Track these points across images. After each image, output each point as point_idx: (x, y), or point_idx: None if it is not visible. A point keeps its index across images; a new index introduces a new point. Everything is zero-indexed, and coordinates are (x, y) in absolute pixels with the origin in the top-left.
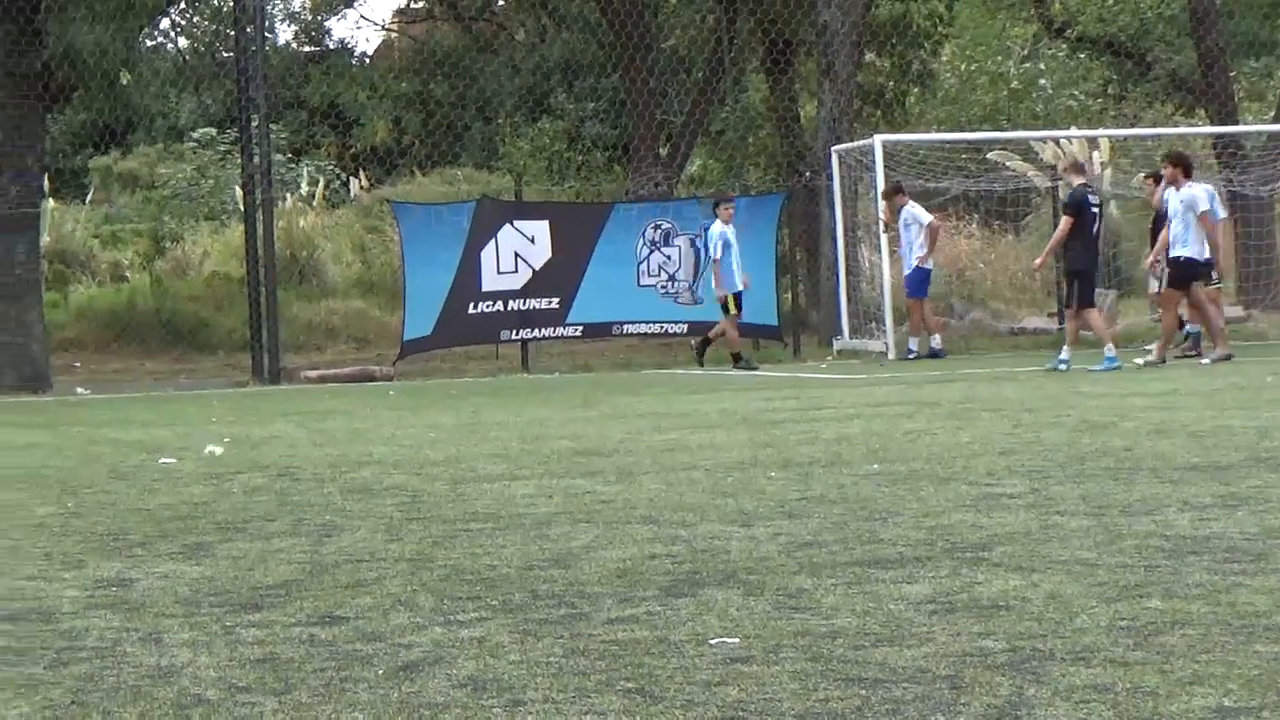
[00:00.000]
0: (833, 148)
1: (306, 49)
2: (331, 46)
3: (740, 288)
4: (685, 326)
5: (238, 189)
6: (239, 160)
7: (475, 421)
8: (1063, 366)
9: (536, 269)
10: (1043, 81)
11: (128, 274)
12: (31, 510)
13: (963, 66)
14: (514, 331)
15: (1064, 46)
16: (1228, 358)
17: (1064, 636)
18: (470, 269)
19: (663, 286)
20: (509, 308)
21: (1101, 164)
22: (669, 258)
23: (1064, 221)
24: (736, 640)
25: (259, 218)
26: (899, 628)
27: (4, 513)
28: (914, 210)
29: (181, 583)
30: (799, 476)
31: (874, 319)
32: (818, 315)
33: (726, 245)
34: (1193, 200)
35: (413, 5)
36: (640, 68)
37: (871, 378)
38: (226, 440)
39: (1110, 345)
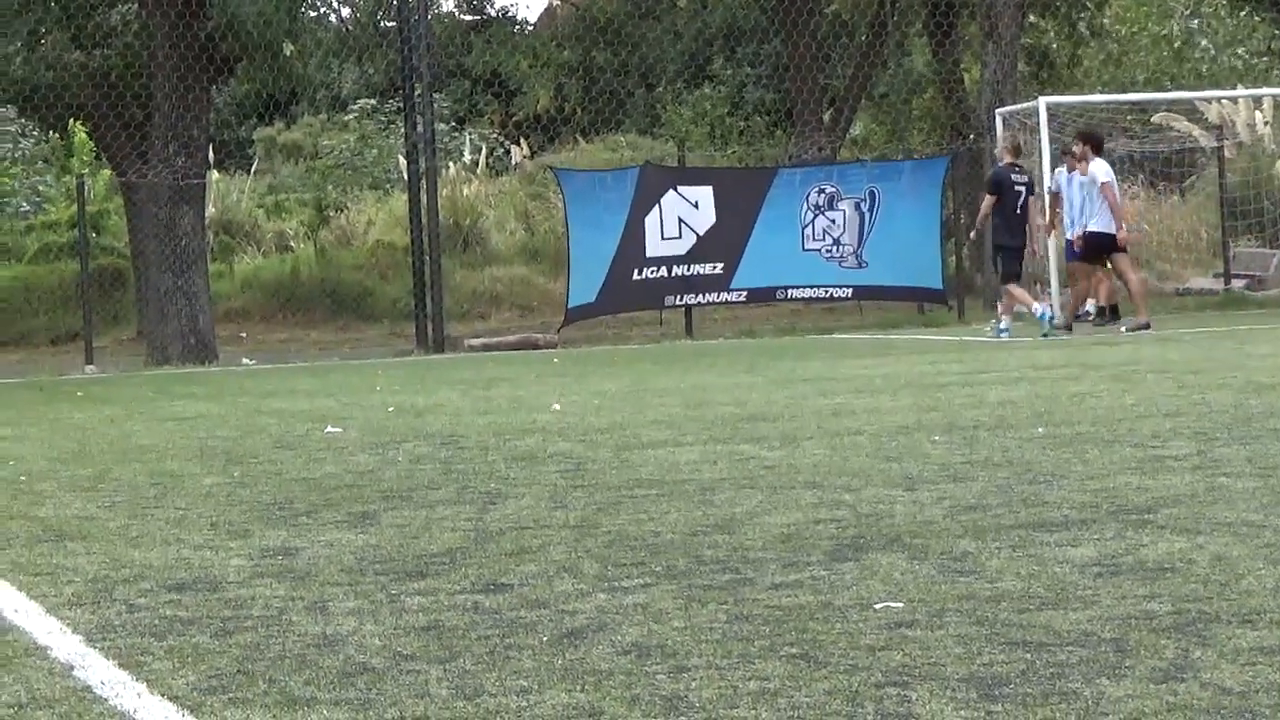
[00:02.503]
0: (996, 110)
1: (468, 17)
2: (493, 14)
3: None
4: (850, 291)
5: (401, 158)
6: (402, 129)
7: (639, 388)
8: (1004, 335)
9: (700, 234)
10: (1204, 43)
11: (292, 244)
12: (199, 480)
13: (1123, 30)
14: (678, 297)
15: (1225, 4)
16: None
17: (1230, 599)
18: (634, 235)
19: (827, 251)
20: (673, 273)
21: (1266, 123)
22: (833, 222)
23: (986, 199)
24: (901, 605)
25: (423, 186)
26: (1063, 591)
27: (171, 483)
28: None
29: (346, 551)
30: (963, 440)
31: (1039, 281)
32: (982, 279)
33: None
34: (1094, 176)
35: None
36: (803, 32)
37: (1036, 340)
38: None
39: (1006, 318)
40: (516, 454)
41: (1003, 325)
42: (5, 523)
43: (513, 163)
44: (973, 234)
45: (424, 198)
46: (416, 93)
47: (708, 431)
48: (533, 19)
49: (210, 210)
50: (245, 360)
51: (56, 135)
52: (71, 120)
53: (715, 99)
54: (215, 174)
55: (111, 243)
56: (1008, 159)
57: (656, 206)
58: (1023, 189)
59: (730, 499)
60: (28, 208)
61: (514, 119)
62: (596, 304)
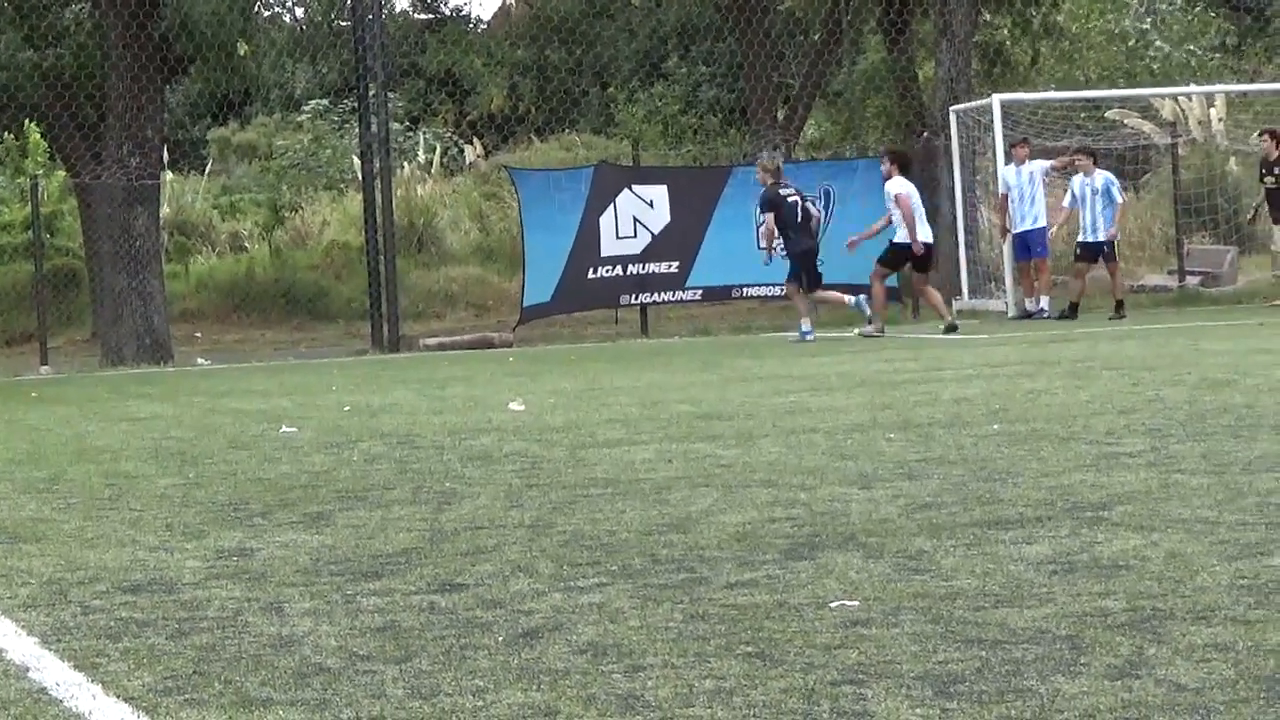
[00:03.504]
0: (951, 108)
1: (423, 16)
2: (447, 14)
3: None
4: None
5: (355, 158)
6: (356, 129)
7: (595, 387)
8: (809, 338)
9: (655, 233)
10: (1158, 42)
11: (247, 244)
12: (154, 481)
13: (1074, 27)
14: (633, 296)
15: (1179, 0)
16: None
17: (1185, 595)
18: (589, 234)
19: (782, 249)
20: (628, 272)
21: (1219, 120)
22: None
23: (766, 219)
24: (856, 603)
25: (377, 186)
26: (1019, 588)
27: (126, 484)
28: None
29: (302, 552)
30: (919, 438)
31: (993, 279)
32: (937, 276)
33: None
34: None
35: None
36: (757, 30)
37: (991, 338)
38: (517, 401)
39: (807, 320)
40: (472, 453)
41: (805, 328)
42: None
43: (467, 162)
44: (767, 257)
45: (379, 197)
46: (371, 92)
47: (663, 430)
48: (486, 17)
49: (165, 211)
50: (200, 360)
51: (10, 135)
52: (25, 120)
53: (669, 97)
54: (169, 174)
55: (66, 243)
56: (769, 180)
57: (611, 206)
58: (795, 200)
59: (686, 498)
60: None
61: (468, 118)
62: (552, 303)
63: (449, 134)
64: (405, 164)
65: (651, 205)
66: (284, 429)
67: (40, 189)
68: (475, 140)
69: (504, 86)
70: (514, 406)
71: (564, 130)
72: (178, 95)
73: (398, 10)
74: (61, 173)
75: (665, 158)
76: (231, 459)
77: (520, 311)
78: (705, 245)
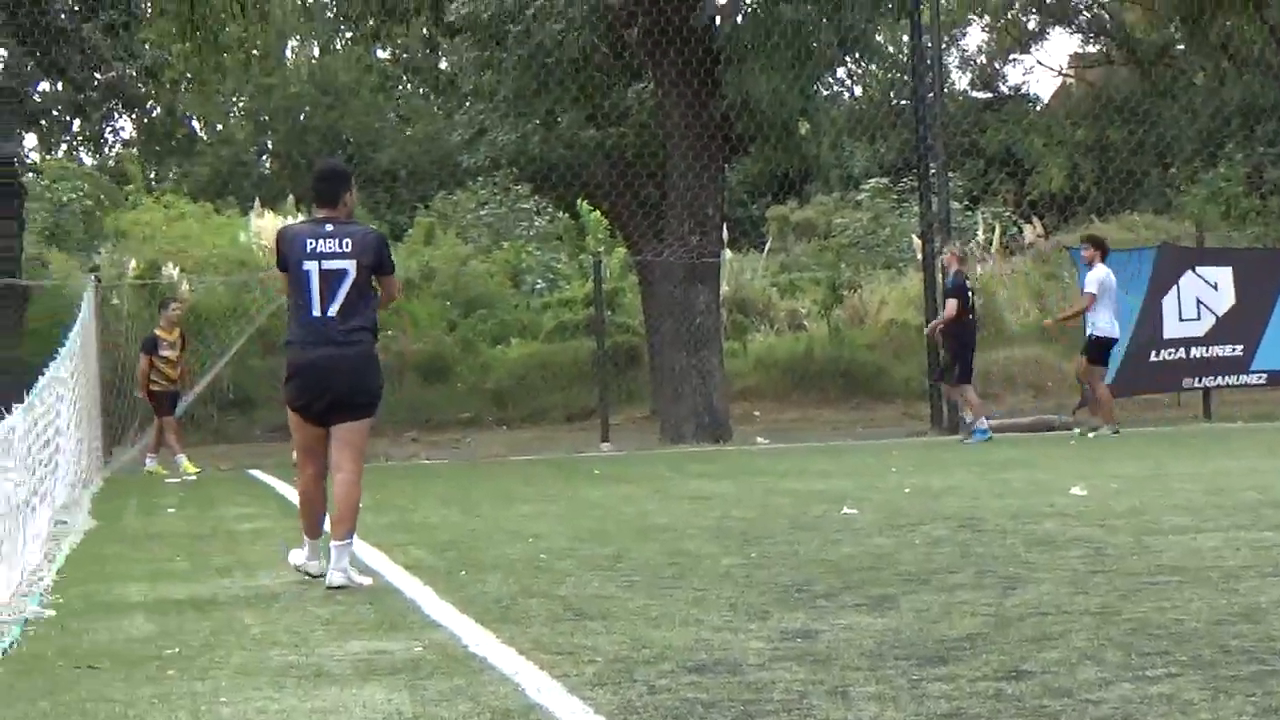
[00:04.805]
0: None
1: (982, 95)
2: (1007, 92)
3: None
4: None
5: (915, 237)
6: (915, 208)
7: (1158, 472)
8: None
9: (1219, 315)
10: None
11: (805, 323)
12: (716, 560)
13: None
14: (1196, 379)
15: None
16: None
17: None
18: (1152, 316)
19: None
20: (1191, 355)
21: None
22: None
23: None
24: None
25: (938, 266)
26: None
27: (689, 562)
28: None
29: (866, 635)
30: None
31: None
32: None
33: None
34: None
35: (1089, 50)
36: None
37: None
38: (1079, 485)
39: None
40: (1035, 538)
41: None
42: (526, 601)
43: (1026, 242)
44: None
45: (938, 277)
46: (931, 171)
47: (1229, 518)
48: (1046, 96)
49: (724, 288)
50: (760, 439)
51: (571, 213)
52: (586, 199)
53: (1232, 178)
54: (729, 252)
55: (626, 320)
56: (956, 267)
57: (1174, 287)
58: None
59: (1255, 587)
60: (543, 285)
61: (1028, 198)
62: (1114, 385)
63: (1008, 213)
64: (964, 243)
65: (1216, 287)
66: (845, 510)
67: (602, 266)
68: (1034, 220)
69: (1064, 166)
70: (1076, 491)
71: (1124, 210)
72: (737, 173)
73: (958, 89)
74: (622, 250)
75: (1229, 239)
76: (793, 539)
77: (1080, 394)
78: (1270, 328)
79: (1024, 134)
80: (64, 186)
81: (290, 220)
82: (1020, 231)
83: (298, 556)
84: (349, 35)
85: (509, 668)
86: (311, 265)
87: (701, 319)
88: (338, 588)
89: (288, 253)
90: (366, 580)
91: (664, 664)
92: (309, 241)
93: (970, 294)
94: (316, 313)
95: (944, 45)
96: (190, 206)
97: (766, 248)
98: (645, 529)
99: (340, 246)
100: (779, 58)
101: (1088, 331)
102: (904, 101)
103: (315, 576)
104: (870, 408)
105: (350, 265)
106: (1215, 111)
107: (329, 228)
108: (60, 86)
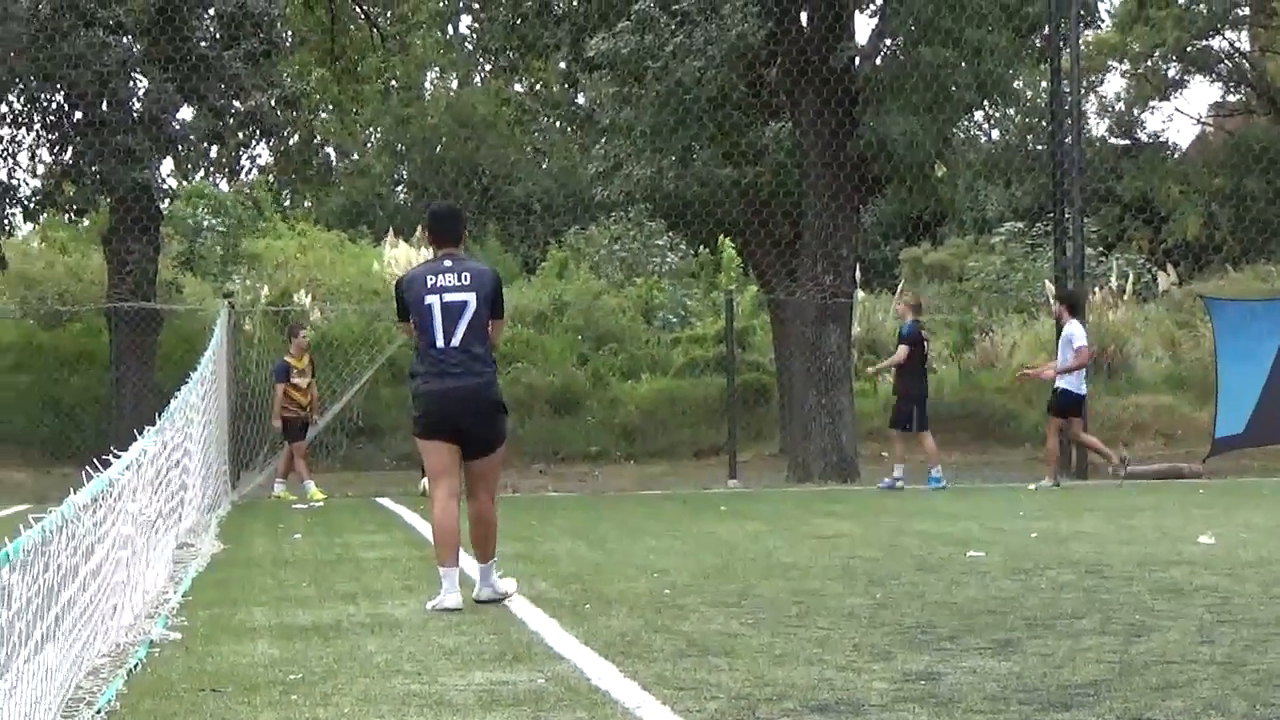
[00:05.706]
0: None
1: (1120, 141)
2: (1144, 139)
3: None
4: None
5: (1049, 282)
6: (1050, 253)
7: None
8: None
9: None
10: None
11: (936, 365)
12: (841, 600)
13: None
14: None
15: None
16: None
17: None
18: None
19: None
20: None
21: None
22: None
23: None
24: None
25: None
26: None
27: (814, 601)
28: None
29: (990, 679)
30: None
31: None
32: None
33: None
34: (1070, 336)
35: (1229, 99)
36: None
37: None
38: (1208, 534)
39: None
40: (1162, 586)
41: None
42: (651, 636)
43: (1160, 289)
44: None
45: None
46: (1066, 217)
47: None
48: (1184, 144)
49: (856, 329)
50: (895, 481)
51: (705, 250)
52: (720, 236)
53: None
54: (861, 293)
55: (757, 358)
56: (912, 317)
57: None
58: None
59: None
60: (675, 321)
61: (1163, 245)
62: (1245, 434)
63: (1142, 260)
64: (1098, 289)
65: None
66: (971, 553)
67: (734, 304)
68: (1169, 267)
69: (1200, 214)
70: (1204, 540)
71: (1261, 260)
72: (872, 214)
73: (1095, 135)
74: (754, 288)
75: None
76: (919, 581)
77: (1211, 442)
78: None
79: (1160, 181)
80: (201, 212)
81: (424, 251)
82: (1154, 279)
83: (438, 600)
84: (488, 69)
85: (631, 702)
86: (433, 299)
87: (833, 359)
88: (485, 602)
89: (408, 293)
90: (511, 585)
91: (786, 702)
92: (429, 278)
93: (925, 344)
94: (440, 343)
95: (1082, 91)
96: (324, 234)
97: (899, 289)
98: (770, 566)
99: (460, 280)
100: (917, 100)
101: (1059, 385)
102: (1040, 146)
103: (454, 610)
104: (998, 451)
105: (471, 298)
106: None
107: (448, 263)
108: (199, 113)
